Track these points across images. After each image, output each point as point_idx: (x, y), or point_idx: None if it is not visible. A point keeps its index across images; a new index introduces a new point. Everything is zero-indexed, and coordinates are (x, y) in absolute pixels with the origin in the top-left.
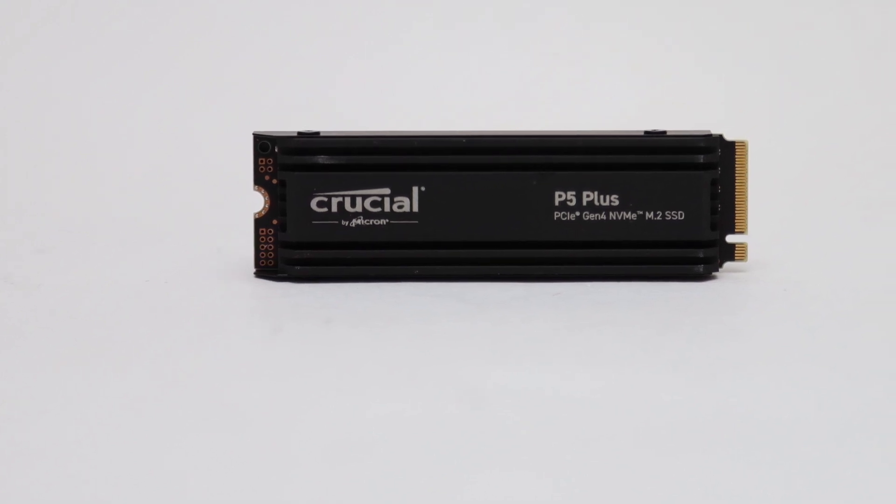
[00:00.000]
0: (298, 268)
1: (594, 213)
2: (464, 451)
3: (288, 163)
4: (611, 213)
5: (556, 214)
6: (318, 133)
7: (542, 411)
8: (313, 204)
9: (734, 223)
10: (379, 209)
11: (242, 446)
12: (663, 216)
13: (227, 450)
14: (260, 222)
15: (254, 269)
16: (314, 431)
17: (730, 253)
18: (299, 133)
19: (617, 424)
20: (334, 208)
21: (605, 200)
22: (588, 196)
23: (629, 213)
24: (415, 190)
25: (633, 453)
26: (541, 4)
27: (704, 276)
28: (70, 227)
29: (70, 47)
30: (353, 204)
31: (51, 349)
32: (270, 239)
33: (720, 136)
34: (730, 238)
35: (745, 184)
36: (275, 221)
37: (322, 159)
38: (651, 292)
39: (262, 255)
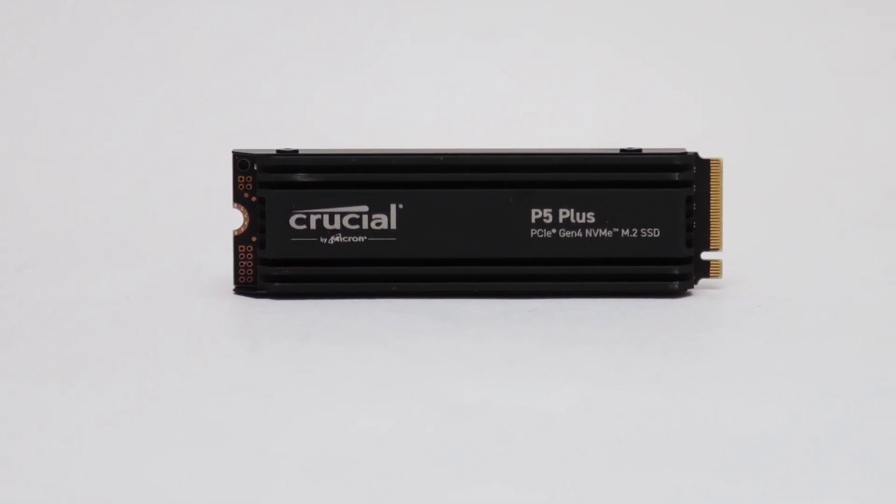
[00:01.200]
0: (277, 284)
1: (571, 230)
2: (443, 466)
3: (267, 180)
4: (587, 231)
5: (533, 231)
6: (296, 151)
7: (521, 427)
8: (292, 221)
9: (709, 240)
10: (357, 226)
11: (222, 461)
12: (639, 233)
13: (207, 464)
14: (239, 239)
15: (233, 286)
16: (293, 447)
17: (705, 270)
18: (278, 151)
19: (594, 439)
20: (313, 225)
21: (581, 218)
22: (564, 213)
23: (605, 230)
24: (393, 207)
25: (610, 468)
26: (518, 24)
27: (680, 293)
28: (52, 243)
29: (53, 65)
30: (332, 221)
31: (32, 364)
32: (249, 256)
33: (695, 154)
34: (705, 255)
35: (719, 201)
36: (254, 238)
37: (301, 177)
38: (627, 309)
39: (242, 271)
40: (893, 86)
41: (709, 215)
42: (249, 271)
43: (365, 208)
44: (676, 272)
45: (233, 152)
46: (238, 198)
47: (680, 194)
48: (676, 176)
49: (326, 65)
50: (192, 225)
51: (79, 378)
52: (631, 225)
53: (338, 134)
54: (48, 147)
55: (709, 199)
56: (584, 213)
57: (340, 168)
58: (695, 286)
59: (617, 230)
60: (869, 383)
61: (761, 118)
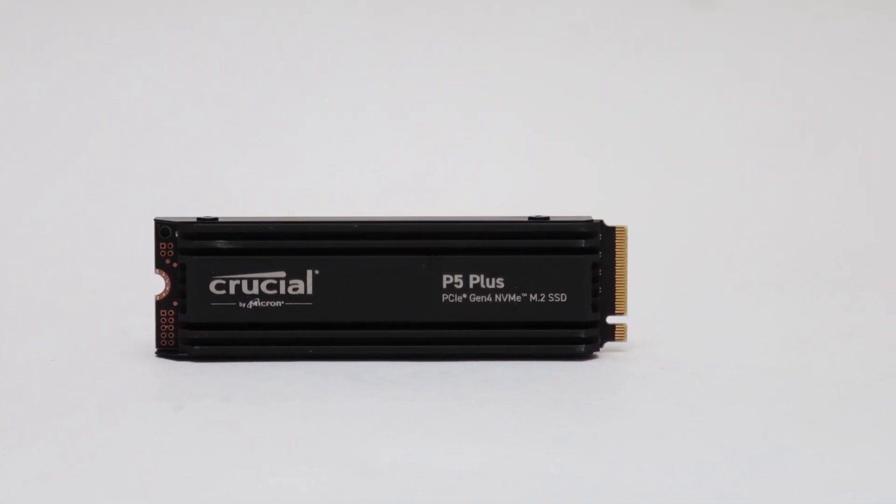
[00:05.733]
0: (198, 347)
1: (480, 295)
2: None
3: (188, 247)
4: (496, 296)
5: (445, 296)
6: (216, 219)
7: (431, 486)
8: (212, 286)
9: (614, 305)
10: (275, 291)
11: None
12: (546, 298)
13: None
14: (161, 304)
15: (155, 349)
16: None
17: (610, 333)
18: (198, 219)
19: (502, 499)
20: (232, 290)
21: (490, 283)
22: (475, 279)
23: (514, 295)
24: (309, 273)
25: None
26: (428, 96)
27: (586, 356)
28: None
29: None
30: (250, 286)
31: None
32: (171, 320)
33: (601, 222)
34: (610, 319)
35: (624, 267)
36: (175, 303)
37: (220, 244)
38: (535, 371)
39: (164, 335)
40: (790, 157)
41: (614, 281)
42: (171, 335)
43: (282, 274)
44: (583, 335)
45: (155, 220)
46: (160, 264)
47: (586, 260)
48: (583, 243)
49: (245, 136)
50: (115, 290)
51: (3, 438)
52: (539, 290)
53: (256, 202)
54: None
55: (614, 265)
56: (493, 279)
57: (259, 235)
58: (600, 349)
59: (525, 295)
60: (768, 445)
61: (664, 187)
